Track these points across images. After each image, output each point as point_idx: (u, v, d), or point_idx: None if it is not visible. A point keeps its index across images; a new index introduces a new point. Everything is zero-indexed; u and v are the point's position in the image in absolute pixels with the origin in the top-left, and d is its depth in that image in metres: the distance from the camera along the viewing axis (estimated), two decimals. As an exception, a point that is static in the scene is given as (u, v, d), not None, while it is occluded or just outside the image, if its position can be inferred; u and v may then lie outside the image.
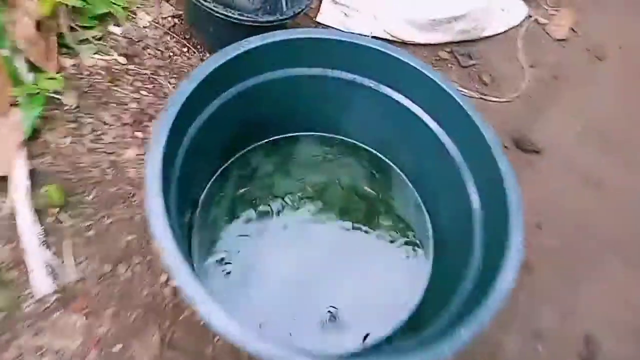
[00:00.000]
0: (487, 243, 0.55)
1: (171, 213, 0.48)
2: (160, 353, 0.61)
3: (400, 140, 0.69)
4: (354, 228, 0.68)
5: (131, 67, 0.82)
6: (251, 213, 0.67)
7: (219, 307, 0.39)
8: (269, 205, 0.68)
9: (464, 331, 0.43)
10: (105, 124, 0.75)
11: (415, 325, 0.60)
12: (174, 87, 0.81)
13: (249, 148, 0.72)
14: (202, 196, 0.67)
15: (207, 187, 0.68)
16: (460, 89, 0.96)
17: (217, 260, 0.63)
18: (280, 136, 0.73)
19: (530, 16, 1.17)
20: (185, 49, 0.87)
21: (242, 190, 0.69)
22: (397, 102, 0.64)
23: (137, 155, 0.73)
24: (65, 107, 0.74)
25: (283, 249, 0.65)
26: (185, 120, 0.54)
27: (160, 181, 0.45)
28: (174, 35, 0.88)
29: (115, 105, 0.77)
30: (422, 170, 0.69)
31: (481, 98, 0.99)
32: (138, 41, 0.85)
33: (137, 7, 0.89)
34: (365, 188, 0.71)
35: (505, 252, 0.48)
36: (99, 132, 0.74)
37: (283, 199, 0.68)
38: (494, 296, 0.45)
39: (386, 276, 0.65)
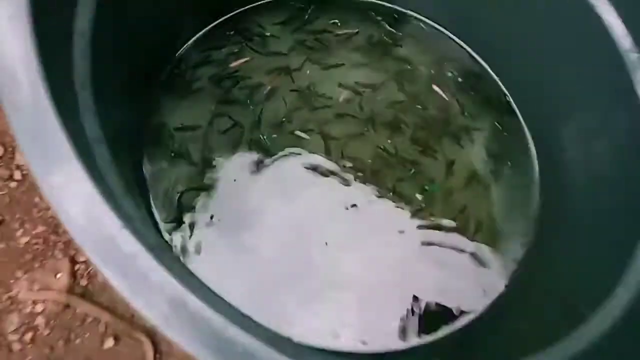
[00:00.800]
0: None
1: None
2: (69, 299, 0.37)
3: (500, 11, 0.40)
4: (399, 160, 0.40)
5: None
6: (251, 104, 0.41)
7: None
8: (282, 99, 0.41)
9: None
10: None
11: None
12: None
13: (252, 5, 0.45)
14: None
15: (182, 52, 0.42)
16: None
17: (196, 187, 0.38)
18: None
19: None
20: None
21: (235, 64, 0.42)
22: None
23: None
24: None
25: (298, 186, 0.39)
26: None
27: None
28: None
29: None
30: (544, 61, 0.39)
31: None
32: None
33: None
34: (437, 91, 0.43)
35: None
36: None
37: (304, 93, 0.42)
38: None
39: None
